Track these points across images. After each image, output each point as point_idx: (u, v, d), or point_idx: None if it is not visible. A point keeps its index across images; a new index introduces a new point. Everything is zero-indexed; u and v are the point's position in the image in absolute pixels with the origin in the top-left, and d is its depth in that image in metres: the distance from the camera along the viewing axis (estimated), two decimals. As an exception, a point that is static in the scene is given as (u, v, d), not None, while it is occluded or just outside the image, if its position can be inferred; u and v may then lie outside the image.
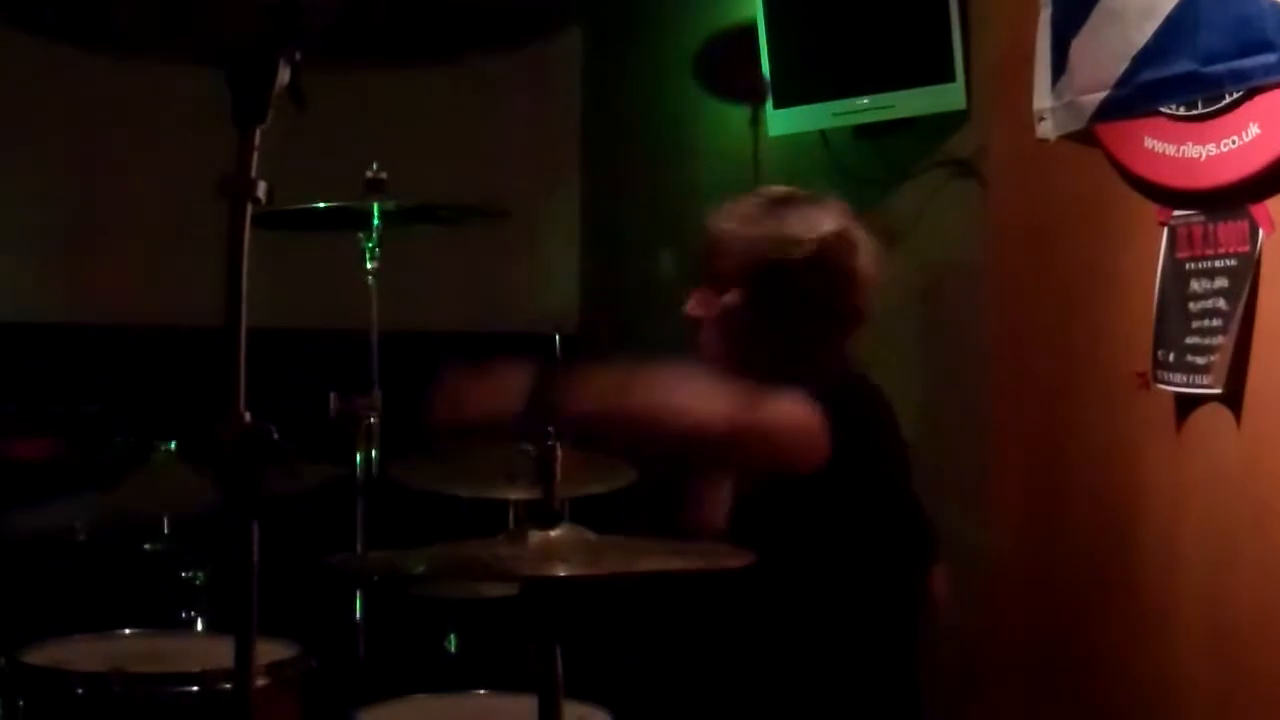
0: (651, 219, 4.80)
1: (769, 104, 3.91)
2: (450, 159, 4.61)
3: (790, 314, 2.38)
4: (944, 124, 3.46)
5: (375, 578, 3.26)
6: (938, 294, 3.49)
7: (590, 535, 1.90)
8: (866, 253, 2.41)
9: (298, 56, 1.56)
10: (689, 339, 2.45)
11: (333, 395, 3.32)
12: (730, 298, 2.38)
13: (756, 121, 4.07)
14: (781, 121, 3.88)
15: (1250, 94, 2.52)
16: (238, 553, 1.43)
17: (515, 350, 2.66)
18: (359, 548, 3.34)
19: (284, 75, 1.57)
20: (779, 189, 2.48)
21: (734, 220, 2.42)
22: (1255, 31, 2.47)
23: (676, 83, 4.57)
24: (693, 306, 2.43)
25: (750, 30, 3.90)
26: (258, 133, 1.54)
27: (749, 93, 4.07)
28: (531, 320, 4.70)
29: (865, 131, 3.67)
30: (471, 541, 1.89)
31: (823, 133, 3.80)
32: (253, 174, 1.52)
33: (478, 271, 4.85)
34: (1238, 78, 2.52)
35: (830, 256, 2.37)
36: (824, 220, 2.39)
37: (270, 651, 2.56)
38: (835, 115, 3.71)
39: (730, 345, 2.40)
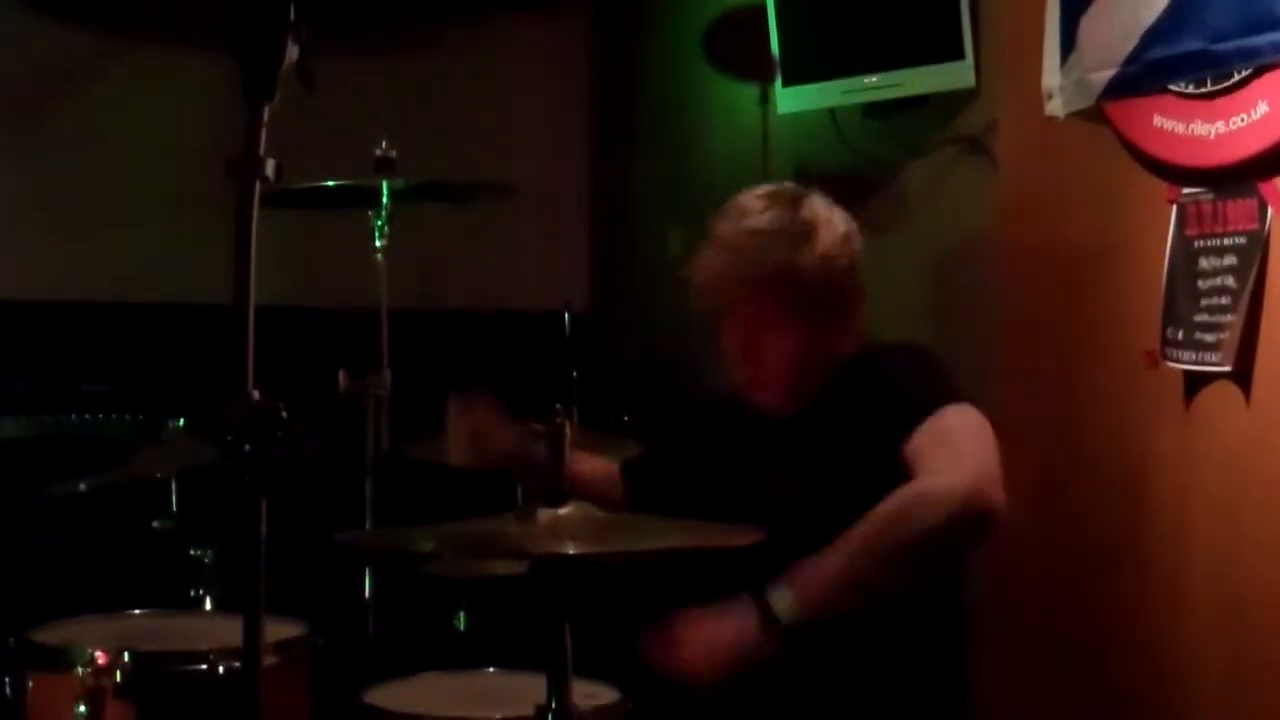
0: (662, 196, 4.80)
1: (778, 82, 3.91)
2: (460, 137, 4.62)
3: (802, 313, 2.41)
4: (954, 102, 3.45)
5: (384, 555, 3.28)
6: (948, 270, 3.48)
7: (599, 513, 1.90)
8: (854, 238, 2.47)
9: (305, 34, 1.55)
10: (715, 342, 2.50)
11: (342, 373, 3.32)
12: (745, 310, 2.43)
13: (765, 99, 4.06)
14: (790, 99, 3.88)
15: (1259, 72, 2.51)
16: (246, 531, 1.43)
17: (525, 328, 2.65)
18: (368, 525, 3.34)
19: (293, 52, 1.57)
20: (758, 197, 2.49)
21: (731, 242, 2.44)
22: (1264, 9, 2.46)
23: (686, 60, 4.56)
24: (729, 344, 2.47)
25: (760, 8, 3.89)
26: (266, 110, 1.54)
27: (758, 71, 4.06)
28: (541, 298, 4.72)
29: (874, 109, 3.66)
30: (480, 519, 1.89)
31: (832, 111, 3.79)
32: (261, 152, 1.52)
33: (488, 249, 4.85)
34: (1247, 55, 2.51)
35: (827, 253, 2.41)
36: (832, 221, 2.45)
37: (279, 630, 2.56)
38: (844, 93, 3.70)
39: (756, 352, 2.44)
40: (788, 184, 2.55)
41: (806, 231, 2.41)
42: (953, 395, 2.32)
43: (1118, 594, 2.91)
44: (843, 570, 2.13)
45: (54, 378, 4.29)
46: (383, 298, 3.45)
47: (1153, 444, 2.81)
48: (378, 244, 3.47)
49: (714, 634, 2.16)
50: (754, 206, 2.46)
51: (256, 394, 1.45)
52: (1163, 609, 2.79)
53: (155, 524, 3.10)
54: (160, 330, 4.56)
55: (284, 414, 1.43)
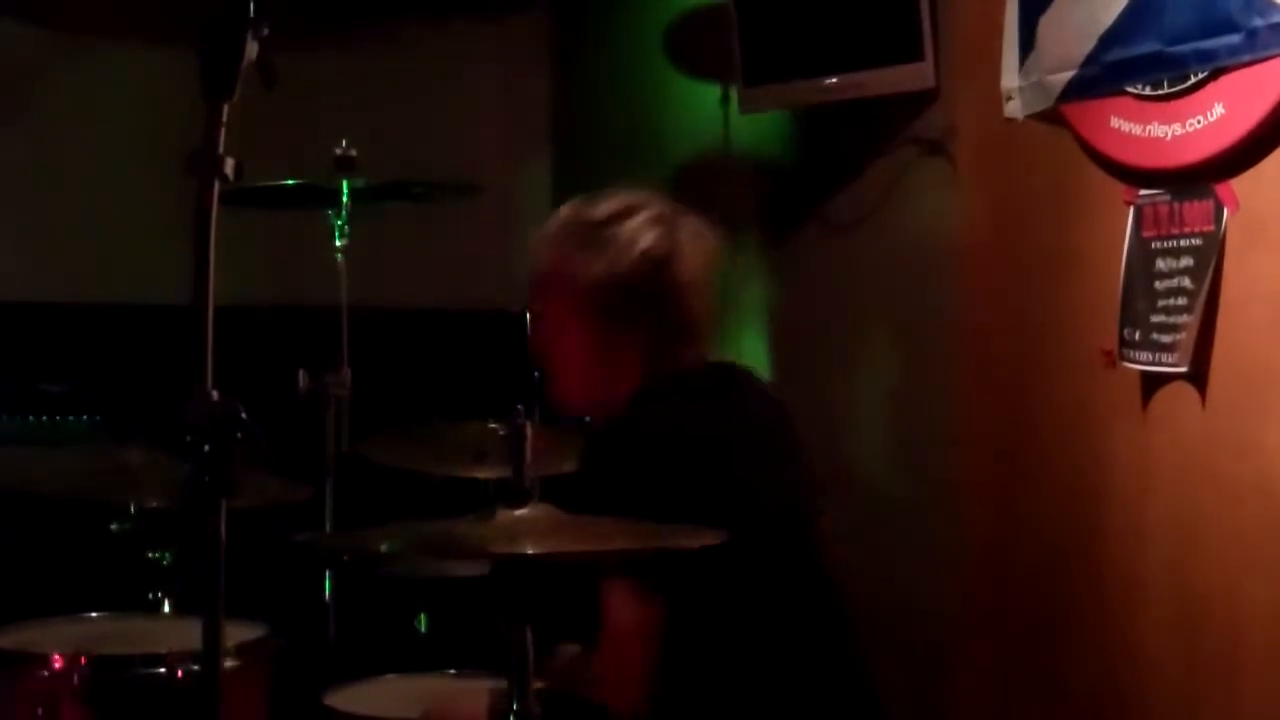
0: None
1: (739, 82, 3.91)
2: (420, 136, 4.59)
3: (627, 330, 2.35)
4: (913, 103, 3.46)
5: (345, 557, 3.26)
6: (907, 271, 3.49)
7: (559, 514, 1.89)
8: (692, 258, 2.37)
9: (266, 31, 1.55)
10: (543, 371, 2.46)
11: (302, 373, 3.31)
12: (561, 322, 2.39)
13: (727, 99, 4.06)
14: (752, 100, 3.88)
15: (1215, 74, 2.53)
16: (205, 532, 1.43)
17: (487, 327, 2.65)
18: (327, 526, 3.33)
19: (253, 50, 1.56)
20: (598, 205, 2.41)
21: (554, 245, 2.40)
22: (1220, 12, 2.49)
23: (647, 59, 4.56)
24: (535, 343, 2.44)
25: (722, 8, 3.89)
26: (226, 109, 1.53)
27: (720, 71, 4.06)
28: (503, 298, 4.70)
29: (835, 110, 3.67)
30: (441, 520, 1.89)
31: (793, 111, 3.80)
32: (221, 150, 1.51)
33: (448, 248, 4.83)
34: (1203, 58, 2.53)
35: (653, 269, 2.33)
36: (643, 234, 2.35)
37: (239, 632, 2.55)
38: (805, 94, 3.71)
39: (572, 367, 2.41)
40: (636, 193, 2.44)
41: (601, 241, 2.34)
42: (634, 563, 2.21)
43: (1076, 592, 2.93)
44: None
45: (10, 377, 4.25)
46: (343, 296, 3.44)
47: (1109, 443, 2.83)
48: (338, 243, 3.46)
49: None
50: (563, 211, 2.43)
51: (216, 394, 1.45)
52: (1120, 606, 2.81)
53: (113, 526, 3.07)
54: (119, 330, 4.52)
55: (243, 414, 1.42)
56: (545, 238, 2.42)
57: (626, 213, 2.37)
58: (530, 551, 1.79)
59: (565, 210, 2.44)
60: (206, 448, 1.41)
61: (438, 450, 2.89)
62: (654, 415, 2.30)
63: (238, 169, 1.51)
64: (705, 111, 4.19)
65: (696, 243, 2.39)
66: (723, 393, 2.41)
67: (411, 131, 4.60)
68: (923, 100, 3.43)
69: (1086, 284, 2.88)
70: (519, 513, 1.84)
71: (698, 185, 4.27)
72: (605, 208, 2.39)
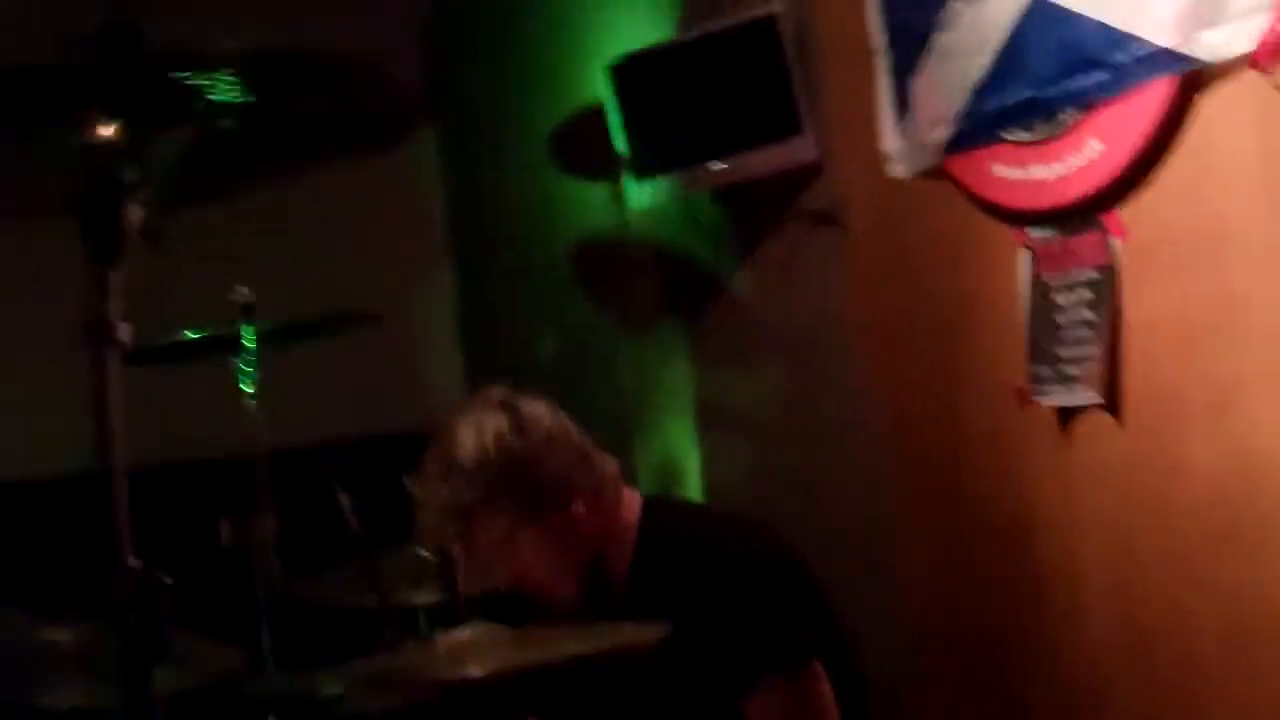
0: (527, 301, 4.81)
1: (630, 176, 3.95)
2: (318, 270, 4.57)
3: (529, 515, 2.44)
4: (801, 175, 3.50)
5: (294, 703, 3.20)
6: (810, 344, 3.51)
7: (500, 631, 1.87)
8: (538, 425, 2.50)
9: (148, 195, 1.54)
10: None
11: (224, 522, 3.26)
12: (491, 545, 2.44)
13: (619, 195, 4.10)
14: (642, 193, 3.92)
15: (1088, 111, 2.59)
16: (137, 701, 1.40)
17: (408, 450, 2.64)
18: (268, 672, 3.27)
19: (135, 214, 1.55)
20: (456, 444, 2.52)
21: (457, 495, 2.47)
22: (1086, 51, 2.55)
23: (534, 167, 4.59)
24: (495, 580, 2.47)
25: (601, 109, 3.93)
26: (112, 276, 1.52)
27: (607, 169, 4.10)
28: (420, 419, 4.67)
29: (724, 193, 3.71)
30: (382, 653, 1.86)
31: (685, 198, 3.83)
32: (111, 317, 1.50)
33: (360, 377, 4.80)
34: (1074, 97, 2.60)
35: (515, 452, 2.46)
36: (486, 425, 2.50)
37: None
38: (694, 180, 3.75)
39: (552, 571, 2.46)
40: (466, 410, 2.58)
41: (488, 465, 2.45)
42: (801, 641, 2.37)
43: (1022, 629, 2.93)
44: None
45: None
46: (257, 442, 3.40)
47: (1035, 477, 2.86)
48: (247, 390, 3.42)
49: None
50: (431, 469, 2.52)
51: (136, 562, 1.42)
52: (1066, 637, 2.82)
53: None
54: (22, 508, 4.40)
55: (166, 580, 1.40)
56: (445, 496, 2.47)
57: (476, 429, 2.49)
58: (476, 674, 1.77)
59: (433, 467, 2.51)
60: (132, 619, 1.38)
61: (371, 583, 2.85)
62: (730, 548, 2.43)
63: (132, 333, 1.50)
64: (599, 209, 4.22)
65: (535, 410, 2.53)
66: (723, 517, 2.67)
67: (311, 268, 4.59)
68: (809, 173, 3.48)
69: (990, 328, 2.92)
70: (459, 636, 1.82)
71: (602, 280, 4.30)
72: (460, 442, 2.49)
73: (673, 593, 2.36)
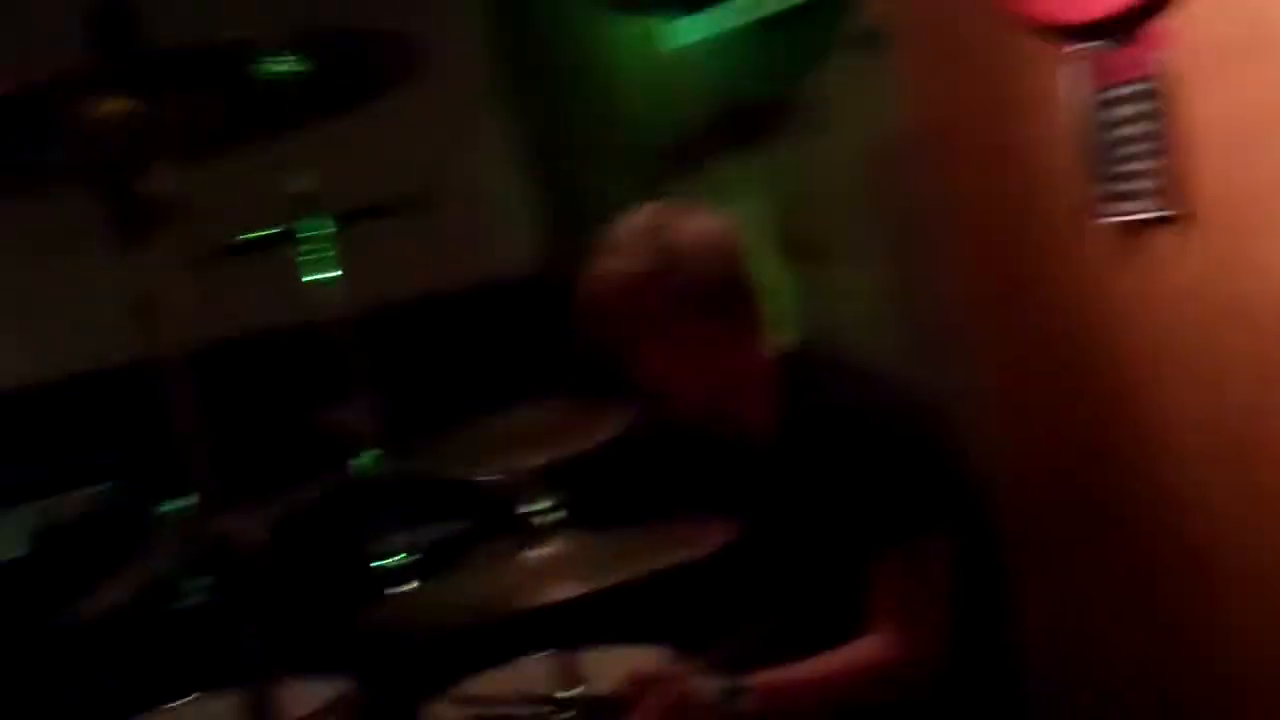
0: (583, 151, 4.79)
1: (672, 14, 3.89)
2: (379, 150, 4.50)
3: (725, 321, 2.54)
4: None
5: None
6: (874, 169, 3.48)
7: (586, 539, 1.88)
8: (725, 243, 2.60)
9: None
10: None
11: (318, 415, 3.35)
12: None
13: (661, 34, 4.04)
14: (686, 30, 3.87)
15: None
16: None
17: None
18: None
19: (166, 180, 1.57)
20: (624, 234, 2.56)
21: (633, 270, 2.53)
22: None
23: (580, 7, 4.53)
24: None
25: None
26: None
27: (652, 5, 4.04)
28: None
29: (771, 23, 3.64)
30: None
31: (730, 32, 3.78)
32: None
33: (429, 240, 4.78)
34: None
35: (721, 260, 2.55)
36: (695, 235, 2.55)
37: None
38: (739, 13, 3.69)
39: (690, 377, 2.55)
40: (653, 210, 2.61)
41: (672, 252, 2.51)
42: (937, 513, 2.45)
43: (1113, 446, 2.93)
44: (804, 704, 2.40)
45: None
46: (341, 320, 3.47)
47: (1112, 293, 2.82)
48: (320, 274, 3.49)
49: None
50: (622, 239, 2.55)
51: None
52: (1154, 449, 2.81)
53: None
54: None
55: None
56: (620, 268, 2.52)
57: (673, 223, 2.55)
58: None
59: (624, 237, 2.55)
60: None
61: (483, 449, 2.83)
62: (888, 400, 2.53)
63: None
64: (641, 48, 4.17)
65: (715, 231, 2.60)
66: (877, 378, 2.69)
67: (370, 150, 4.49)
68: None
69: (1049, 147, 2.85)
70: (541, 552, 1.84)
71: (654, 126, 4.27)
72: (655, 224, 2.55)
73: (823, 448, 2.46)
